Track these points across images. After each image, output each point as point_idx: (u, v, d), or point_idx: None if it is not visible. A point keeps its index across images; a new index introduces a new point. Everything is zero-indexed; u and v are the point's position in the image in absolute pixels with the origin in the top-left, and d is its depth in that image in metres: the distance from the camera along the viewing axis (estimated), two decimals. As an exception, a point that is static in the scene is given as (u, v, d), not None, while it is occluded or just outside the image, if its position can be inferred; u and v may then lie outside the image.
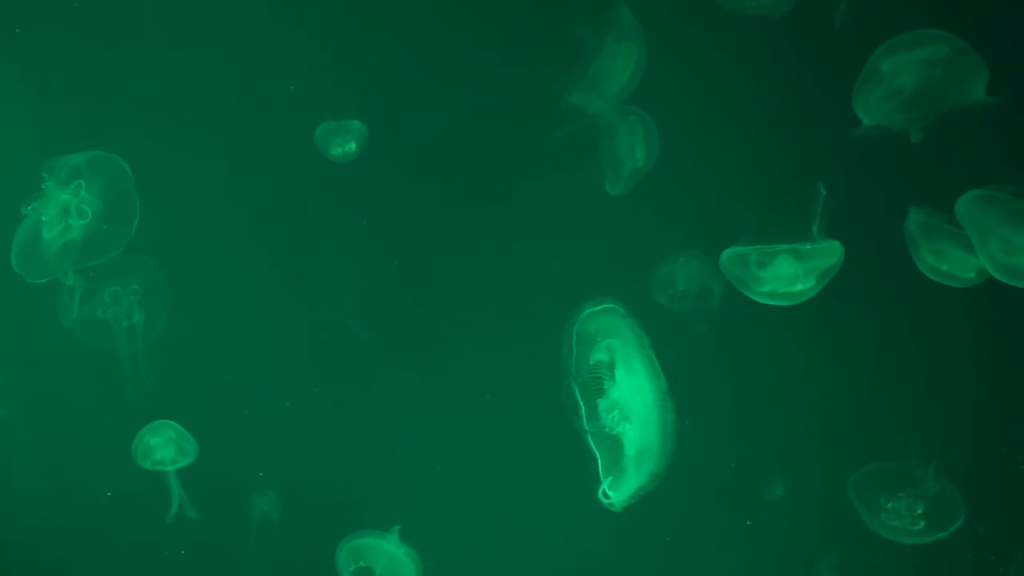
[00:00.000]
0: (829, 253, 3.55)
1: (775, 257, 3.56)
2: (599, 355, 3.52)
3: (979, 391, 4.05)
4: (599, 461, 3.53)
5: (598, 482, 3.77)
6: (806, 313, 3.75)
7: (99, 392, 4.26)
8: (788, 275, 3.57)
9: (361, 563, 4.10)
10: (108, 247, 4.15)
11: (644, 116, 4.11)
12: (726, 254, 3.67)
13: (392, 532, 4.11)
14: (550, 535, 4.23)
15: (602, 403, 3.51)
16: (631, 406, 3.51)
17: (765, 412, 4.15)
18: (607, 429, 3.50)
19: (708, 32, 4.06)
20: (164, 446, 4.24)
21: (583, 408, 3.52)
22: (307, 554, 4.26)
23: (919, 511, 3.94)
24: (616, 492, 3.53)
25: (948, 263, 3.65)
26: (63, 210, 4.11)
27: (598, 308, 3.57)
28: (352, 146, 4.27)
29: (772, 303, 3.63)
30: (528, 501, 4.22)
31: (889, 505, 3.95)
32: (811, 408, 4.16)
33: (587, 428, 3.53)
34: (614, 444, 3.53)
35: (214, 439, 4.26)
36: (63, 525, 4.33)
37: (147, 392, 4.20)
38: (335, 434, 4.32)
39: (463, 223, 4.27)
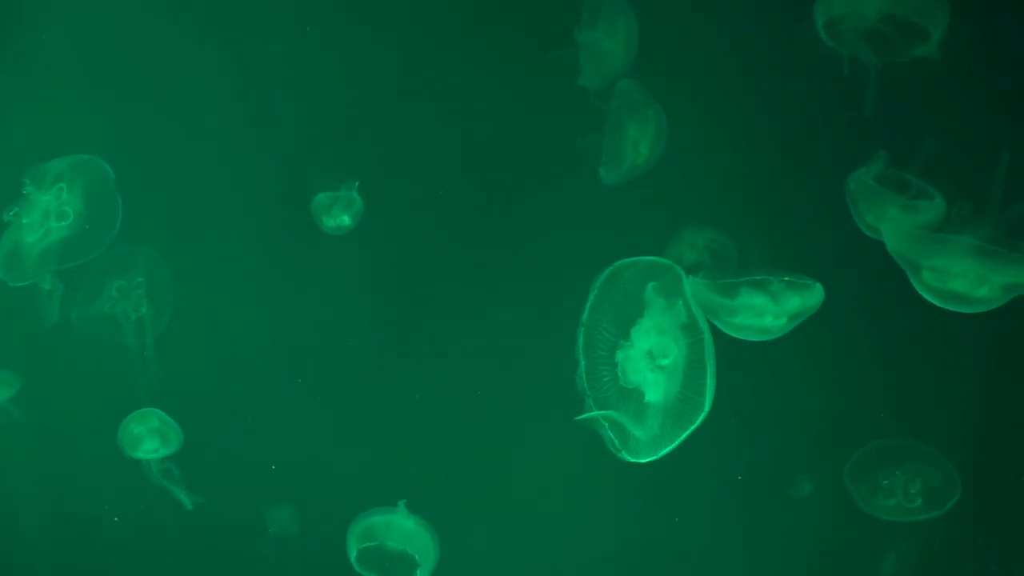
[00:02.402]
0: (808, 295, 3.30)
1: (740, 288, 3.33)
2: (638, 298, 3.43)
3: (982, 402, 3.91)
4: (622, 418, 3.50)
5: (605, 467, 3.81)
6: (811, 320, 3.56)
7: (106, 394, 4.32)
8: (758, 306, 3.35)
9: (368, 543, 4.16)
10: (92, 246, 4.16)
11: (660, 113, 3.94)
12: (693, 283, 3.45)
13: (399, 506, 4.16)
14: (559, 524, 4.26)
15: (623, 354, 3.44)
16: (661, 357, 3.42)
17: (769, 413, 4.05)
18: (632, 383, 3.45)
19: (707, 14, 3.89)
20: (149, 435, 4.21)
21: (600, 365, 3.47)
22: (321, 559, 4.36)
23: (915, 489, 3.84)
24: (637, 450, 3.51)
25: (887, 223, 3.53)
26: (45, 213, 4.13)
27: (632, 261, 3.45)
28: (345, 219, 4.18)
29: (742, 337, 3.44)
30: (538, 494, 4.22)
31: (886, 483, 3.85)
32: (816, 413, 4.06)
33: (607, 386, 3.50)
34: (637, 398, 3.50)
35: (219, 441, 4.33)
36: (69, 542, 4.40)
37: (156, 392, 4.29)
38: (340, 435, 4.35)
39: (465, 226, 4.21)
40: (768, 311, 3.30)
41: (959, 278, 3.21)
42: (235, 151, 4.28)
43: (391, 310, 4.32)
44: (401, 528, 4.24)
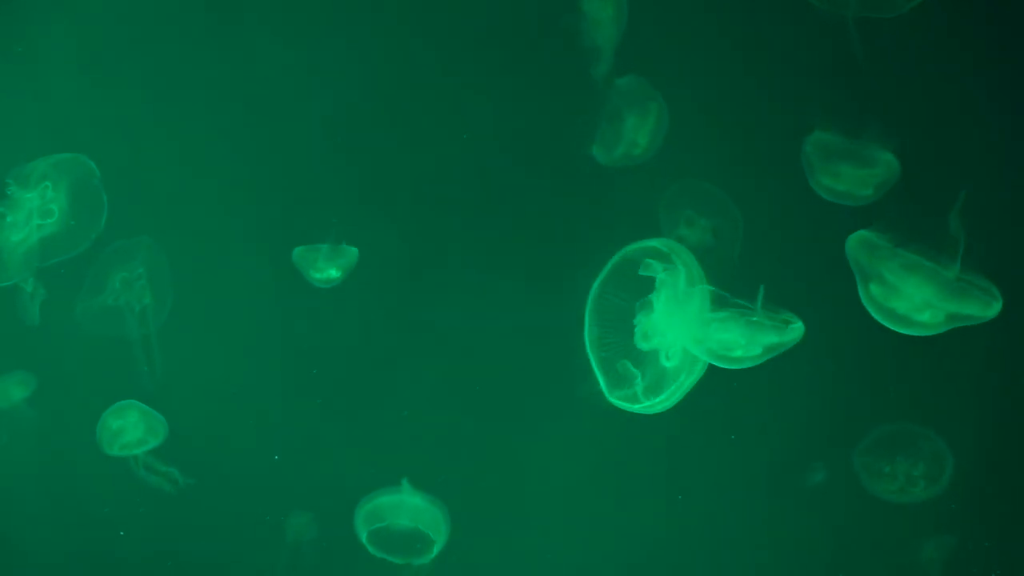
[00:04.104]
0: (789, 331, 3.15)
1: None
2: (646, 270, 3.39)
3: (989, 406, 3.81)
4: (638, 380, 3.50)
5: (607, 445, 3.91)
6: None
7: (110, 390, 4.28)
8: (729, 341, 3.23)
9: (378, 524, 4.17)
10: (77, 242, 4.14)
11: (663, 106, 3.88)
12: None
13: (403, 484, 4.16)
14: (562, 504, 4.24)
15: (641, 320, 3.41)
16: (672, 323, 3.39)
17: (774, 399, 3.95)
18: (648, 347, 3.43)
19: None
20: (132, 428, 4.15)
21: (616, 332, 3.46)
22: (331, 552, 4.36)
23: (918, 472, 3.73)
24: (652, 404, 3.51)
25: (845, 183, 3.58)
26: (29, 212, 4.10)
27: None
28: (333, 272, 4.10)
29: (712, 361, 3.31)
30: (542, 478, 4.20)
31: (888, 470, 3.75)
32: (822, 401, 3.96)
33: (618, 350, 3.49)
34: (648, 361, 3.48)
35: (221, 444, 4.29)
36: (73, 547, 4.36)
37: (159, 383, 4.29)
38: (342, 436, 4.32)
39: (463, 217, 4.15)
40: (738, 345, 3.18)
41: (904, 299, 3.13)
42: (235, 147, 4.24)
43: (392, 302, 4.25)
44: (409, 506, 4.26)
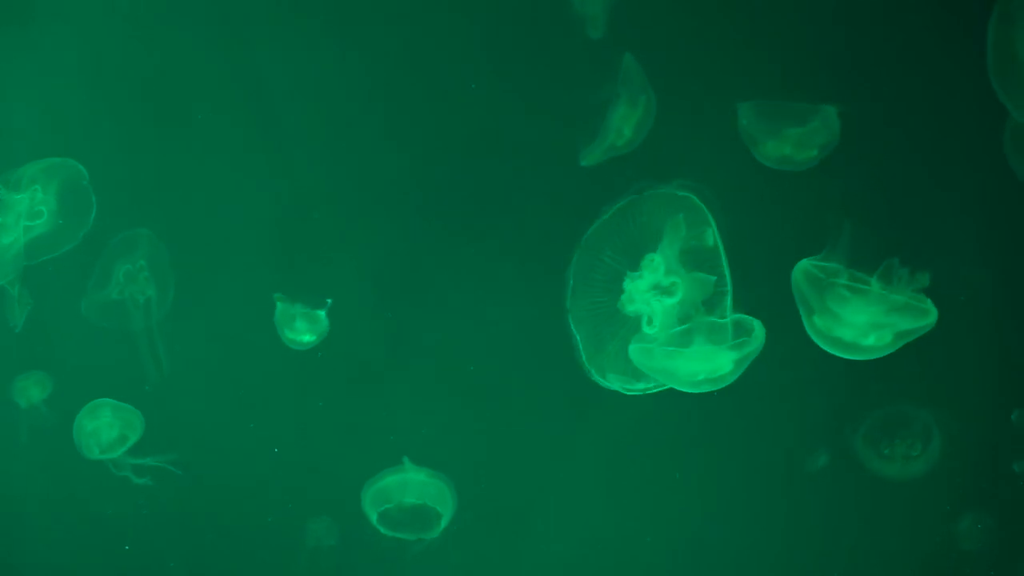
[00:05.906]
0: (751, 341, 3.01)
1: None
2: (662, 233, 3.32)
3: (983, 402, 3.72)
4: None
5: (607, 431, 3.90)
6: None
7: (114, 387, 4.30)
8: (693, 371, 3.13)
9: (386, 505, 4.20)
10: (65, 240, 4.16)
11: (652, 100, 3.78)
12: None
13: (404, 463, 4.17)
14: (559, 485, 4.24)
15: (631, 284, 3.36)
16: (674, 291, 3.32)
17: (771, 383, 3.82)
18: (633, 312, 3.39)
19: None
20: (107, 428, 4.10)
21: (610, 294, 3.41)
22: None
23: (916, 452, 3.63)
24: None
25: (790, 147, 3.52)
26: (18, 215, 4.12)
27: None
28: (307, 338, 4.05)
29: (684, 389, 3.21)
30: (536, 459, 4.22)
31: (887, 452, 3.65)
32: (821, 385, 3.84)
33: (600, 312, 3.45)
34: (634, 327, 3.43)
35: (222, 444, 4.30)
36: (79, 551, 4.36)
37: (163, 376, 4.31)
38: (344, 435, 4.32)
39: (448, 208, 4.11)
40: (703, 371, 3.07)
41: (847, 327, 3.04)
42: (235, 143, 4.21)
43: (394, 294, 4.23)
44: (413, 482, 4.29)
